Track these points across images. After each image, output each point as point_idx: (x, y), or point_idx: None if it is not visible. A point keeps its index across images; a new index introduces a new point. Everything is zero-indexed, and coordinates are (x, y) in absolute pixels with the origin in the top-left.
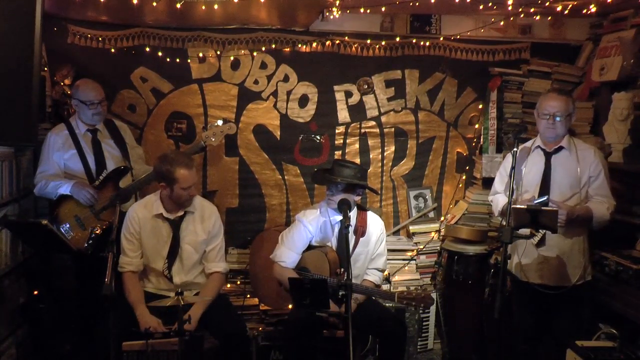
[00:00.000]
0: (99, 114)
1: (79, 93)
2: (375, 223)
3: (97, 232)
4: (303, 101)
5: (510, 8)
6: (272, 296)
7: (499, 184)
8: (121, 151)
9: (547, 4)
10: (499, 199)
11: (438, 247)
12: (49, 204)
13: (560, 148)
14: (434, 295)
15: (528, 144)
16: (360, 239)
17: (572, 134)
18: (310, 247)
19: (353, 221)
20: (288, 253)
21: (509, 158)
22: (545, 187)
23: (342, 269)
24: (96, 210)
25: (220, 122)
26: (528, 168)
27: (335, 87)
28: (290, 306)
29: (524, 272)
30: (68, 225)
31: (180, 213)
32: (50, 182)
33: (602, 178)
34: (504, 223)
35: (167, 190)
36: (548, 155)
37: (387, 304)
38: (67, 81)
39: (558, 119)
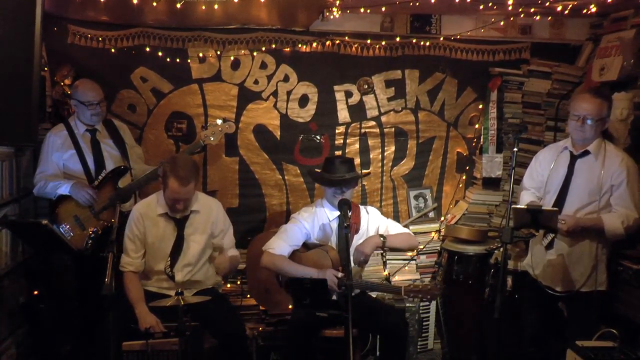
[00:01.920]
0: (97, 114)
1: (78, 93)
2: (367, 216)
3: (97, 232)
4: (303, 101)
5: (510, 8)
6: (269, 297)
7: (528, 179)
8: (120, 151)
9: (547, 4)
10: (523, 197)
11: (438, 247)
12: (49, 204)
13: (587, 152)
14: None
15: (560, 143)
16: (355, 235)
17: (608, 138)
18: (310, 247)
19: None
20: (279, 242)
21: (540, 155)
22: (564, 190)
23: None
24: (96, 210)
25: (219, 122)
26: (554, 169)
27: (335, 87)
28: (290, 307)
29: (534, 270)
30: (67, 226)
31: (187, 212)
32: (50, 183)
33: (623, 187)
34: (504, 223)
35: (162, 188)
36: (573, 158)
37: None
38: (67, 81)
39: (589, 122)
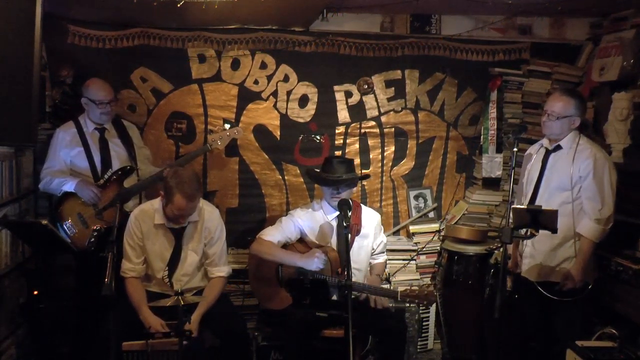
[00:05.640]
0: (107, 113)
1: (89, 92)
2: (369, 218)
3: (99, 230)
4: (303, 101)
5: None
6: (270, 296)
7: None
8: (127, 151)
9: (547, 4)
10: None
11: (438, 247)
12: (52, 202)
13: (559, 147)
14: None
15: (539, 142)
16: (356, 236)
17: (584, 131)
18: (310, 248)
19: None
20: (272, 231)
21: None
22: (537, 184)
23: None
24: (99, 209)
25: (227, 126)
26: (533, 165)
27: (335, 87)
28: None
29: (519, 265)
30: (71, 223)
31: (184, 223)
32: (55, 179)
33: (590, 179)
34: (504, 223)
35: (163, 201)
36: (547, 153)
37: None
38: (67, 81)
39: (551, 117)
